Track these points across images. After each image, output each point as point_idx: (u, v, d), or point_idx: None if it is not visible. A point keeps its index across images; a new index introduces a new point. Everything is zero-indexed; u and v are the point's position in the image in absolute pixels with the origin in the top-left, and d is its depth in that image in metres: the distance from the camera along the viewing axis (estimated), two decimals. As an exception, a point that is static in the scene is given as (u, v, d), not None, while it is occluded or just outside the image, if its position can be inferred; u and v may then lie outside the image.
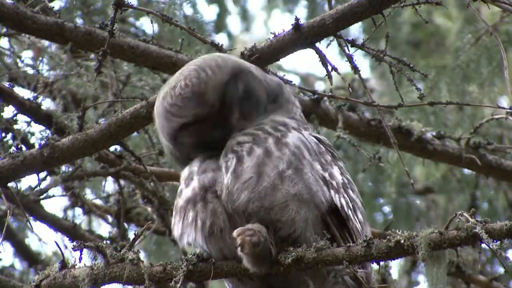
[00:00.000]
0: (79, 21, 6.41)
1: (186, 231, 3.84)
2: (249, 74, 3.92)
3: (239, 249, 3.69)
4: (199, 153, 3.89)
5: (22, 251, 6.83)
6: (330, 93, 4.96)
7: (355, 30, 8.73)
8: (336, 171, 3.92)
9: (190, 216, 3.82)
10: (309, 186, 3.77)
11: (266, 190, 3.73)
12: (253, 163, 3.76)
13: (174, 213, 3.91)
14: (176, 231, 3.89)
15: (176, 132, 3.86)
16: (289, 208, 3.74)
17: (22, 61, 6.07)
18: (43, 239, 6.21)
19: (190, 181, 3.85)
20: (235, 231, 3.69)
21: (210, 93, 3.79)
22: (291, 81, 4.52)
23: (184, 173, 3.90)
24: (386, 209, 8.20)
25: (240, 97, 3.87)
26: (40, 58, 6.10)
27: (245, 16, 9.75)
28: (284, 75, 4.51)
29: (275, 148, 3.80)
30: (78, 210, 6.13)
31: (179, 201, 3.87)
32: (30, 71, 6.10)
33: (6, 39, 5.99)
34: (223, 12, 9.04)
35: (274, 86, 4.02)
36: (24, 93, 5.63)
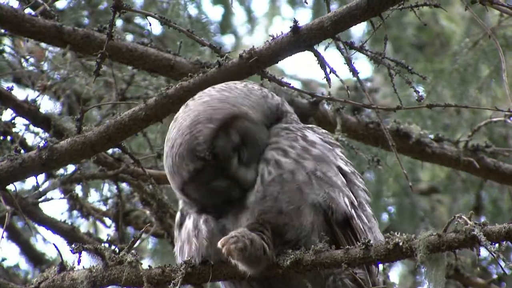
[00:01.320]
0: (84, 21, 6.41)
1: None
2: (245, 120, 3.85)
3: (229, 258, 3.70)
4: (215, 207, 3.86)
5: (27, 251, 6.82)
6: (328, 96, 4.96)
7: (359, 34, 8.76)
8: (340, 162, 3.94)
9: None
10: (331, 195, 3.80)
11: (291, 193, 3.75)
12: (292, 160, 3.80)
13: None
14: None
15: (182, 187, 3.84)
16: (302, 214, 3.75)
17: (27, 61, 6.07)
18: (48, 239, 6.21)
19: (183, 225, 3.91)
20: (219, 242, 3.70)
21: (200, 148, 3.76)
22: (289, 84, 4.51)
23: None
24: (391, 209, 8.20)
25: (236, 145, 3.83)
26: (44, 60, 6.09)
27: (250, 17, 9.74)
28: (282, 78, 4.50)
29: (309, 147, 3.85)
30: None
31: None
32: (34, 70, 6.10)
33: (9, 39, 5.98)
34: (228, 13, 9.03)
35: (274, 109, 4.00)
36: (28, 92, 5.63)
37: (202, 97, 3.90)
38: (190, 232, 3.85)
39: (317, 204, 3.76)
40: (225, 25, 9.05)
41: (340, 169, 3.91)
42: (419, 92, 4.36)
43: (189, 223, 3.87)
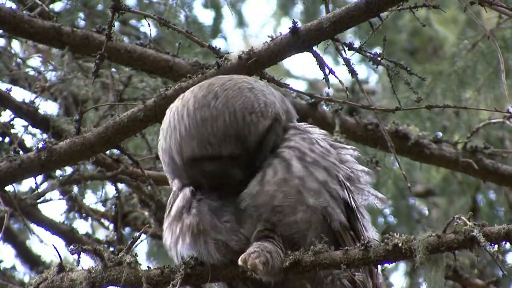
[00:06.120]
0: (80, 23, 6.41)
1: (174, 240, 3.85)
2: (278, 123, 3.85)
3: (253, 273, 3.68)
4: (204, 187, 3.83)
5: (23, 253, 6.82)
6: (327, 97, 4.96)
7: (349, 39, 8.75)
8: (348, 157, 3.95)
9: (178, 227, 3.83)
10: (328, 210, 3.79)
11: (289, 191, 3.74)
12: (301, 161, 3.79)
13: (164, 228, 3.92)
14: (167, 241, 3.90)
15: (197, 159, 3.77)
16: (297, 211, 3.75)
17: (23, 62, 6.07)
18: (45, 241, 6.21)
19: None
20: (239, 259, 3.67)
21: (251, 139, 3.75)
22: (288, 84, 4.51)
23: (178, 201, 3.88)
24: (387, 211, 8.22)
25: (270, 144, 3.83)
26: (44, 64, 6.09)
27: (241, 21, 9.76)
28: (281, 79, 4.50)
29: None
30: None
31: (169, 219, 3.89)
32: (31, 72, 6.11)
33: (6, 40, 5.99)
34: (219, 17, 9.04)
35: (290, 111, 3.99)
36: (25, 94, 5.63)
37: (245, 80, 3.85)
38: (180, 208, 3.83)
39: (313, 207, 3.76)
40: (216, 29, 9.06)
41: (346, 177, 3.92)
42: (417, 93, 4.37)
43: (179, 200, 3.85)
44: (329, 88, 4.45)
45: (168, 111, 3.87)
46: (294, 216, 3.73)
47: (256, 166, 3.79)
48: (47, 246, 6.22)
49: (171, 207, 3.88)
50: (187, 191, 3.82)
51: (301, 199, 3.73)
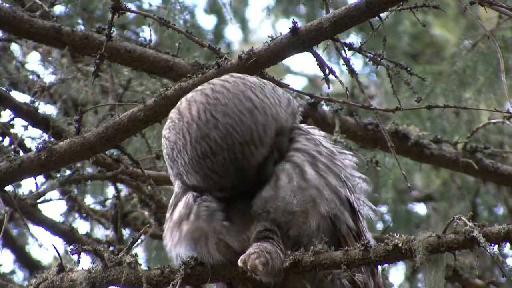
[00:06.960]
0: (80, 27, 6.41)
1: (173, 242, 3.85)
2: (281, 136, 3.83)
3: (253, 274, 3.69)
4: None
5: (23, 258, 6.81)
6: (327, 97, 4.95)
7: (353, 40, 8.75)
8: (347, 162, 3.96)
9: (183, 229, 3.83)
10: (337, 215, 3.81)
11: (304, 199, 3.75)
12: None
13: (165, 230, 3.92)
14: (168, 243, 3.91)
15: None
16: (309, 216, 3.75)
17: (23, 66, 6.07)
18: (44, 244, 6.21)
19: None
20: (239, 260, 3.68)
21: (250, 172, 3.73)
22: (288, 85, 4.51)
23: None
24: (386, 216, 8.23)
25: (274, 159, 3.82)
26: (43, 62, 6.09)
27: (244, 26, 9.76)
28: (281, 79, 4.50)
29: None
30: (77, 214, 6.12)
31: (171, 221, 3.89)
32: (31, 76, 6.10)
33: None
34: (221, 23, 9.04)
35: (295, 112, 3.96)
36: (24, 98, 5.62)
37: (249, 94, 3.79)
38: (183, 211, 3.83)
39: (325, 214, 3.76)
40: (218, 35, 9.05)
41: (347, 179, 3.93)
42: (417, 93, 4.36)
43: (182, 203, 3.85)
44: (329, 88, 4.45)
45: (171, 123, 3.82)
46: (306, 222, 3.74)
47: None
48: (46, 250, 6.23)
49: (172, 211, 3.88)
50: (190, 197, 3.82)
51: (315, 207, 3.74)
